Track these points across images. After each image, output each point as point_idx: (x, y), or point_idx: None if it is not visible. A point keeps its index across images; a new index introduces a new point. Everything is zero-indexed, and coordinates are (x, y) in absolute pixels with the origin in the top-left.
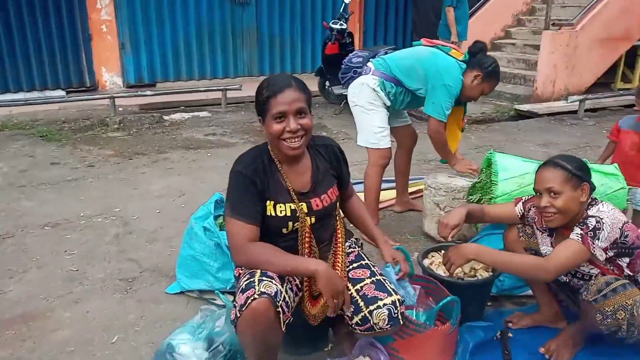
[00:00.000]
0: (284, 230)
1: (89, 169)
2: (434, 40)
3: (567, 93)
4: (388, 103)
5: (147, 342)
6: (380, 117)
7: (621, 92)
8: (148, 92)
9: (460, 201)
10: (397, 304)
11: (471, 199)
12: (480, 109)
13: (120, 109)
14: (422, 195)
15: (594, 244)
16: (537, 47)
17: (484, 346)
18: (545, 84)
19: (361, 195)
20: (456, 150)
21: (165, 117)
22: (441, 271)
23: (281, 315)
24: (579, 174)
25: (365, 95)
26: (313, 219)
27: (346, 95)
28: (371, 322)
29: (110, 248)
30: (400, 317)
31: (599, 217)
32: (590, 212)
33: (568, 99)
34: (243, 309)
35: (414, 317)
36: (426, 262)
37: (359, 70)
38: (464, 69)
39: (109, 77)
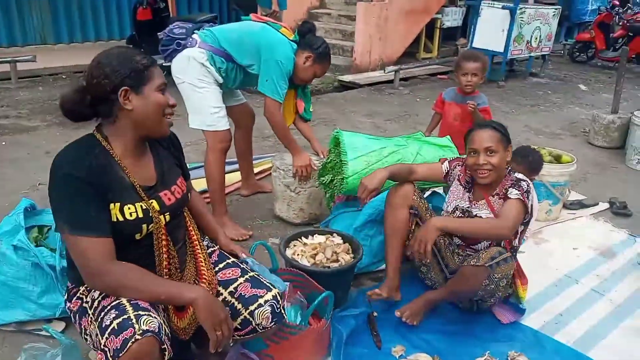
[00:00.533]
0: (137, 236)
1: None
2: (263, 17)
3: (382, 63)
4: (220, 80)
5: None
6: (214, 96)
7: (428, 62)
8: None
9: (309, 180)
10: (278, 298)
11: (323, 179)
12: None
13: None
14: (269, 175)
15: (528, 200)
16: (350, 18)
17: (356, 332)
18: (362, 55)
19: (202, 183)
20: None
21: None
22: (305, 261)
23: (166, 353)
24: (507, 135)
25: (194, 71)
26: (167, 217)
27: (166, 67)
28: (253, 323)
29: None
30: (283, 311)
31: (527, 181)
32: (517, 177)
33: (385, 70)
34: (120, 354)
35: (287, 317)
36: (289, 252)
37: (182, 42)
38: (295, 49)
39: None
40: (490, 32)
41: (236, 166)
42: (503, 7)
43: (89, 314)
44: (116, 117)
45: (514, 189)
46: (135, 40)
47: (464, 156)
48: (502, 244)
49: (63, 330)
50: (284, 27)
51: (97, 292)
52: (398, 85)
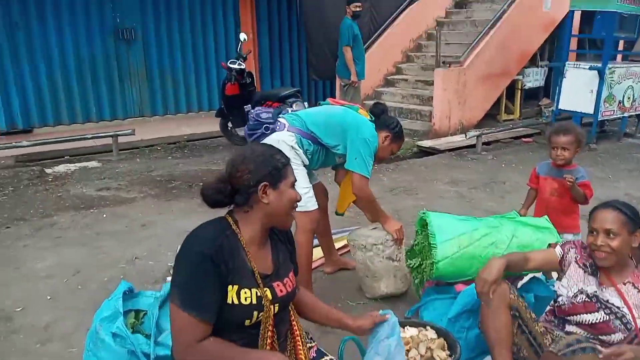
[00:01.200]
0: (247, 322)
1: None
2: (340, 101)
3: (462, 127)
4: (306, 162)
5: None
6: (303, 177)
7: (511, 124)
8: (24, 142)
9: (379, 255)
10: None
11: (410, 263)
12: None
13: None
14: (349, 251)
15: None
16: (427, 83)
17: None
18: (442, 119)
19: None
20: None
21: (48, 170)
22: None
23: None
24: (635, 219)
25: None
26: (277, 308)
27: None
28: None
29: None
30: None
31: None
32: None
33: (467, 135)
34: None
35: None
36: None
37: (270, 126)
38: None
39: None
40: (577, 93)
41: (315, 242)
42: (590, 68)
43: None
44: (251, 207)
45: None
46: (223, 112)
47: (574, 238)
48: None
49: None
50: (361, 108)
51: None
52: (481, 150)
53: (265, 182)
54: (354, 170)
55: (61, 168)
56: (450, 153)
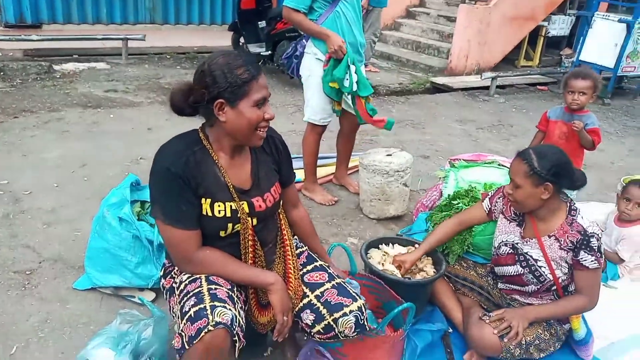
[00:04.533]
0: (222, 233)
1: None
2: None
3: (479, 68)
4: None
5: (56, 352)
6: (315, 86)
7: (529, 70)
8: (34, 36)
9: (399, 180)
10: (363, 309)
11: (456, 203)
12: (398, 79)
13: None
14: (356, 172)
15: (602, 259)
16: (450, 19)
17: (431, 347)
18: (459, 58)
19: (300, 173)
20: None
21: (56, 67)
22: (388, 268)
23: (237, 344)
24: (542, 173)
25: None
26: (255, 221)
27: (263, 55)
28: (336, 330)
29: None
30: (366, 323)
31: (597, 234)
32: (585, 227)
33: (482, 76)
34: (194, 341)
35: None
36: (370, 259)
37: (298, 53)
38: None
39: None
40: (601, 45)
41: (332, 161)
42: (620, 21)
43: (175, 295)
44: (213, 122)
45: (586, 254)
46: (237, 27)
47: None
48: (553, 290)
49: (153, 301)
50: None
51: (186, 275)
52: (494, 93)
53: (220, 100)
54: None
55: (69, 66)
56: (463, 92)
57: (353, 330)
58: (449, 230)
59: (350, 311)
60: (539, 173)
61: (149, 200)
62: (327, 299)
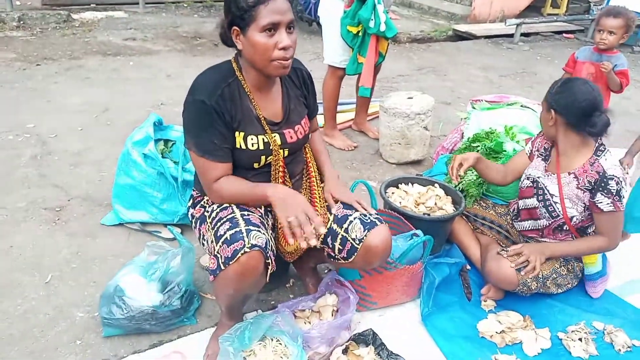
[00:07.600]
0: (256, 165)
1: None
2: None
3: (503, 15)
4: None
5: (88, 281)
6: (332, 27)
7: (555, 17)
8: None
9: (420, 124)
10: (367, 214)
11: (475, 146)
12: (419, 27)
13: (17, 2)
14: (376, 118)
15: (621, 203)
16: None
17: (449, 281)
18: (483, 5)
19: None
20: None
21: (74, 16)
22: (408, 205)
23: (269, 267)
24: (549, 98)
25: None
26: (286, 152)
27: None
28: (349, 239)
29: (28, 172)
30: (375, 220)
31: (617, 177)
32: (605, 168)
33: (507, 23)
34: (230, 262)
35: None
36: (389, 196)
37: None
38: None
39: None
40: None
41: (351, 107)
42: None
43: (207, 222)
44: (240, 52)
45: (603, 196)
46: None
47: None
48: (568, 230)
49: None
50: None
51: (216, 204)
52: (518, 41)
53: (234, 27)
54: None
55: (88, 15)
56: (486, 40)
57: (363, 229)
58: (499, 176)
59: (355, 217)
60: (547, 98)
61: (172, 139)
62: (336, 215)
